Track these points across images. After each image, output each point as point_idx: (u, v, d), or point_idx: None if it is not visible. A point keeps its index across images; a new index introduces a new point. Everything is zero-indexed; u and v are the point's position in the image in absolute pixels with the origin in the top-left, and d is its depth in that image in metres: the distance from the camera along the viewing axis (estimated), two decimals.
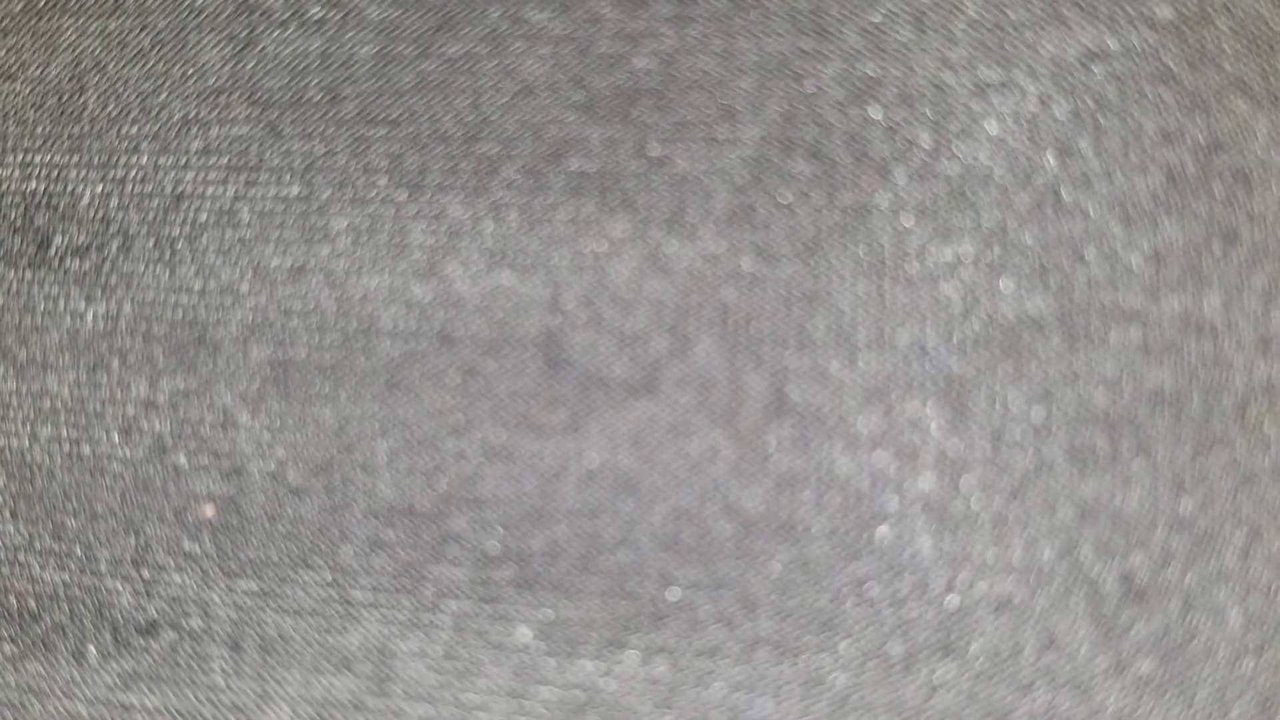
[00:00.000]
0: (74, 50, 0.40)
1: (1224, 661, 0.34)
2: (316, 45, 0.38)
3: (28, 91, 0.40)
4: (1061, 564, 0.35)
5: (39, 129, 0.40)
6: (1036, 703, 0.35)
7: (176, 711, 0.39)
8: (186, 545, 0.38)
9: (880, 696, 0.35)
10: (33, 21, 0.41)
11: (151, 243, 0.39)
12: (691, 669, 0.36)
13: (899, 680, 0.35)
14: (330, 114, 0.38)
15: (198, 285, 0.38)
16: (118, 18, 0.40)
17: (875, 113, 0.36)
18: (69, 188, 0.40)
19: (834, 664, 0.35)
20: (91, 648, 0.39)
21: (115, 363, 0.39)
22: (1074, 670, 0.35)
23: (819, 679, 0.35)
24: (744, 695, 0.36)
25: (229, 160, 0.39)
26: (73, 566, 0.39)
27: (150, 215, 0.39)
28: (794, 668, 0.36)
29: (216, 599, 0.38)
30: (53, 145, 0.40)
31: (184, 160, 0.39)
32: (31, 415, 0.39)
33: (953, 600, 0.35)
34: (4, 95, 0.41)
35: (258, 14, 0.39)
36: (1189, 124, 0.35)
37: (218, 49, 0.39)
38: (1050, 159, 0.35)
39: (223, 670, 0.38)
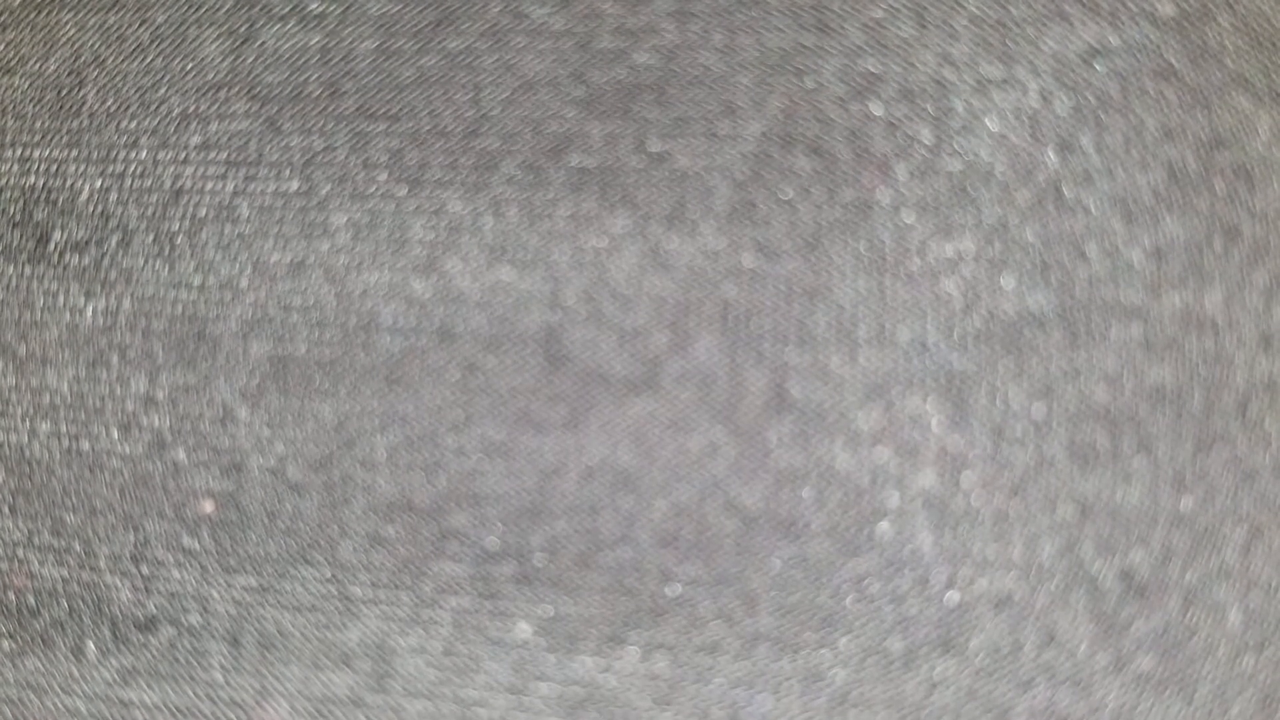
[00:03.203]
0: (73, 45, 0.40)
1: (1224, 659, 0.34)
2: (316, 40, 0.38)
3: (26, 86, 0.40)
4: (1062, 561, 0.34)
5: (38, 124, 0.40)
6: (1036, 699, 0.35)
7: (175, 707, 0.38)
8: (186, 541, 0.38)
9: (880, 693, 0.35)
10: (31, 15, 0.41)
11: (151, 238, 0.39)
12: (691, 665, 0.36)
13: (899, 676, 0.35)
14: (330, 109, 0.38)
15: (197, 281, 0.38)
16: (117, 12, 0.40)
17: (876, 109, 0.36)
18: (68, 183, 0.39)
19: (834, 660, 0.35)
20: (90, 644, 0.39)
21: (115, 358, 0.39)
22: (1074, 667, 0.35)
23: (819, 675, 0.35)
24: (744, 691, 0.36)
25: (228, 155, 0.39)
26: (72, 562, 0.39)
27: (149, 210, 0.39)
28: (794, 664, 0.36)
29: (216, 595, 0.38)
30: (52, 140, 0.40)
31: (183, 155, 0.39)
32: (31, 411, 0.39)
33: (953, 597, 0.35)
34: (2, 90, 0.40)
35: (257, 9, 0.39)
36: (1191, 121, 0.35)
37: (217, 44, 0.39)
38: (1051, 155, 0.35)
39: (222, 666, 0.38)
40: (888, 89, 0.36)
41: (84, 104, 0.40)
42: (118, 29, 0.40)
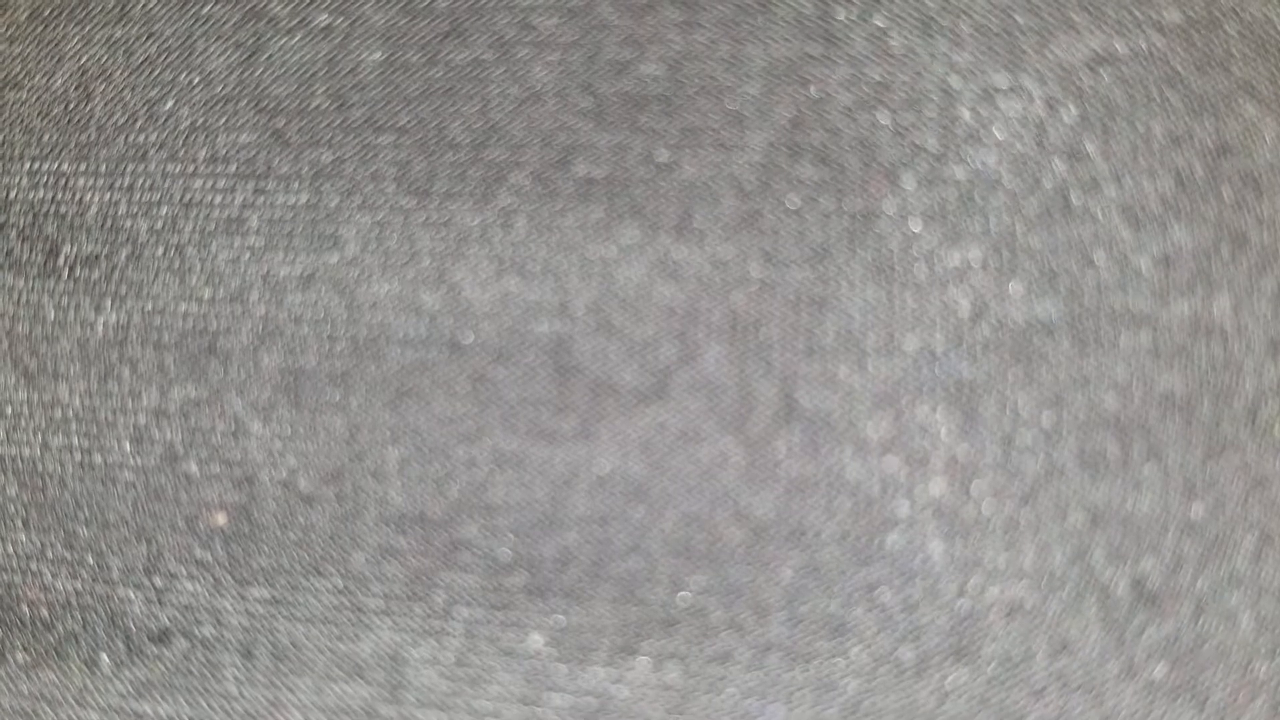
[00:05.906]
0: (80, 58, 0.40)
1: (1236, 666, 0.34)
2: (324, 52, 0.38)
3: (34, 100, 0.40)
4: (1073, 569, 0.35)
5: (46, 137, 0.40)
6: (1049, 707, 0.35)
7: None
8: (198, 553, 0.38)
9: (892, 702, 0.35)
10: (38, 29, 0.41)
11: (160, 251, 0.39)
12: (703, 675, 0.36)
13: (911, 686, 0.35)
14: (338, 121, 0.38)
15: (207, 293, 0.38)
16: (124, 25, 0.40)
17: (883, 118, 0.36)
18: (77, 196, 0.40)
19: (846, 669, 0.35)
20: (104, 656, 0.39)
21: (126, 372, 0.39)
22: (1086, 675, 0.35)
23: (831, 685, 0.36)
24: (756, 701, 0.36)
25: (237, 168, 0.39)
26: (85, 575, 0.39)
27: (159, 223, 0.39)
28: (806, 673, 0.36)
29: (229, 607, 0.38)
30: (60, 153, 0.40)
31: (192, 168, 0.39)
32: (43, 424, 0.39)
33: (964, 605, 0.35)
34: (10, 104, 0.41)
35: (264, 21, 0.39)
36: (1197, 128, 0.35)
37: (224, 56, 0.39)
38: (1058, 163, 0.35)
39: (235, 678, 0.38)
40: (894, 98, 0.36)
41: (91, 117, 0.40)
42: (124, 42, 0.40)
